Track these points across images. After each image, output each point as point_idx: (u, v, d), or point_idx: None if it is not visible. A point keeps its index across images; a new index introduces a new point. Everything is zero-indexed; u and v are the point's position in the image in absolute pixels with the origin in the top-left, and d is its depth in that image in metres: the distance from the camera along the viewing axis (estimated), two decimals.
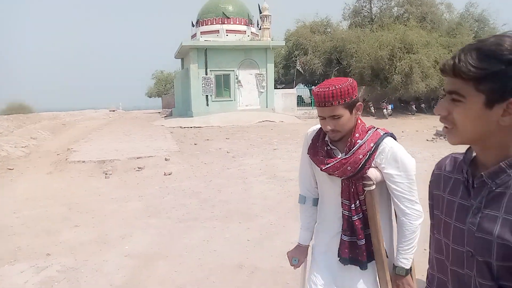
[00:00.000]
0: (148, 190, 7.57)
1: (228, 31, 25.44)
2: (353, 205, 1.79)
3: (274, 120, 20.21)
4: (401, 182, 1.75)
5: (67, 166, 9.50)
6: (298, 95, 27.14)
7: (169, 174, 8.70)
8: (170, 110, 29.56)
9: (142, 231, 5.36)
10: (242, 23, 26.27)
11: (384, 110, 21.52)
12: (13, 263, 4.38)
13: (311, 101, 26.17)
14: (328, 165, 1.77)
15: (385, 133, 1.81)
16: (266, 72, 23.02)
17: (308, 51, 26.91)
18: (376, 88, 23.37)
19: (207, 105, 22.37)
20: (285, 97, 23.69)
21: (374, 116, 21.64)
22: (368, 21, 28.63)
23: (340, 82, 1.68)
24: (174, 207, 6.39)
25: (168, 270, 4.13)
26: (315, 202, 2.05)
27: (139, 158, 9.99)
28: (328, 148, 1.83)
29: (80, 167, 9.36)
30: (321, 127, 1.89)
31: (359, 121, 1.80)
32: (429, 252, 1.19)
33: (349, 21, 30.14)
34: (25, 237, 5.20)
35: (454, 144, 0.98)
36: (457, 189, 1.05)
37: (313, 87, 29.75)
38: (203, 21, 26.46)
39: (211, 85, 22.47)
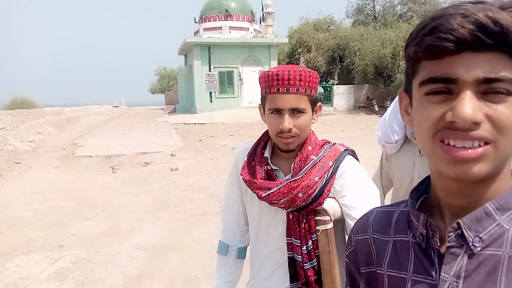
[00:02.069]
0: (155, 185, 7.64)
1: (231, 28, 25.53)
2: (304, 247, 1.28)
3: None
4: None
5: (74, 160, 9.59)
6: None
7: (176, 170, 8.77)
8: (173, 106, 29.68)
9: (152, 224, 5.43)
10: (245, 20, 26.34)
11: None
12: (28, 253, 4.47)
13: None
14: (271, 191, 1.25)
15: (346, 149, 1.35)
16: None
17: (311, 48, 26.93)
18: (380, 86, 23.43)
19: (211, 102, 22.43)
20: None
21: (378, 114, 21.68)
22: (372, 19, 28.65)
23: (304, 67, 1.27)
24: (183, 201, 6.46)
25: (180, 262, 4.21)
26: (241, 253, 1.52)
27: (145, 153, 10.06)
28: (269, 167, 1.33)
29: (87, 161, 9.45)
30: (259, 139, 1.42)
31: (311, 131, 1.34)
32: None
33: (352, 19, 30.20)
34: (37, 229, 5.29)
35: (479, 174, 0.52)
36: (404, 258, 0.64)
37: None
38: (206, 17, 26.56)
39: (215, 82, 22.53)
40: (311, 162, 1.28)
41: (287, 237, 1.32)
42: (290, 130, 1.23)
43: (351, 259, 0.76)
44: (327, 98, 24.71)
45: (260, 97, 1.34)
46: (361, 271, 0.73)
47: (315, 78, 1.26)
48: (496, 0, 0.52)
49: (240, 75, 22.76)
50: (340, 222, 1.35)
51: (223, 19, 25.98)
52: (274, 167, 1.34)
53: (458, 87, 0.52)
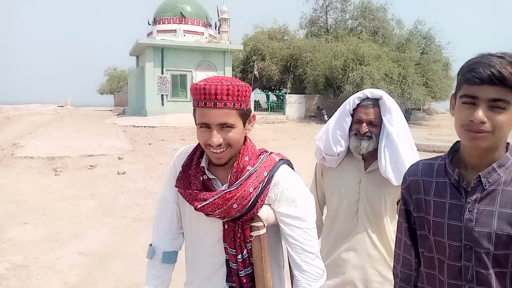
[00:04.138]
0: (101, 188, 7.40)
1: (185, 31, 25.36)
2: (239, 256, 1.31)
3: None
4: (299, 227, 1.31)
5: (13, 161, 9.06)
6: (255, 100, 27.49)
7: (123, 174, 8.54)
8: (123, 108, 28.82)
9: (96, 230, 5.25)
10: (200, 25, 26.27)
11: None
12: None
13: (268, 106, 26.54)
14: (206, 202, 1.26)
15: (281, 159, 1.38)
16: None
17: (265, 56, 27.32)
18: (330, 97, 24.19)
19: (162, 105, 22.06)
20: None
21: None
22: (324, 32, 29.56)
23: (234, 80, 1.25)
24: (129, 206, 6.31)
25: (124, 269, 4.11)
26: (168, 257, 1.47)
27: (91, 156, 9.72)
28: (205, 177, 1.33)
29: (27, 163, 8.96)
30: (195, 147, 1.41)
31: (248, 140, 1.36)
32: (402, 253, 1.31)
33: (305, 30, 30.96)
34: None
35: (484, 147, 1.05)
36: (444, 191, 1.16)
37: (269, 92, 30.25)
38: (160, 19, 26.17)
39: (167, 85, 22.20)
40: (247, 173, 1.28)
41: (224, 242, 1.34)
42: (219, 145, 1.23)
43: (406, 190, 1.27)
44: (280, 106, 25.16)
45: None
46: (412, 197, 1.24)
47: (245, 91, 1.23)
48: (508, 56, 1.01)
49: (193, 79, 22.58)
50: (273, 228, 1.37)
51: (177, 22, 25.74)
52: (211, 176, 1.34)
53: (478, 101, 1.03)
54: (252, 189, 1.26)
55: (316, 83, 24.31)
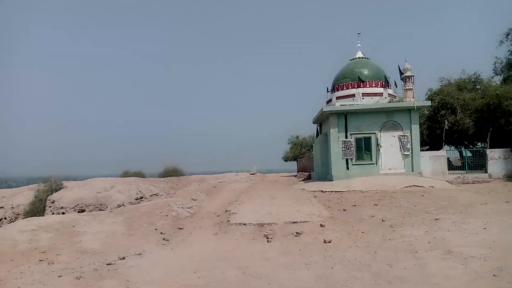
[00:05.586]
0: (312, 258, 7.44)
1: (363, 94, 25.84)
2: None
3: (422, 185, 18.70)
4: None
5: (230, 228, 10.03)
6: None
7: (329, 242, 8.49)
8: (306, 173, 29.96)
9: None
10: (379, 86, 26.42)
11: None
12: None
13: (464, 164, 23.82)
14: None
15: None
16: (411, 133, 21.89)
17: (456, 110, 25.00)
18: None
19: (347, 169, 21.98)
20: (434, 160, 21.94)
21: None
22: None
23: None
24: (348, 279, 6.09)
25: None
26: None
27: (295, 223, 10.04)
28: None
29: (241, 229, 9.80)
30: None
31: None
32: None
33: (502, 76, 27.43)
34: None
35: None
36: None
37: (463, 148, 27.26)
38: (338, 86, 27.54)
39: (352, 149, 22.20)
40: None
41: None
42: None
43: None
44: (478, 163, 22.18)
45: None
46: None
47: None
48: None
49: (378, 141, 22.08)
50: None
51: (355, 86, 26.66)
52: None
53: None
54: None
55: None
